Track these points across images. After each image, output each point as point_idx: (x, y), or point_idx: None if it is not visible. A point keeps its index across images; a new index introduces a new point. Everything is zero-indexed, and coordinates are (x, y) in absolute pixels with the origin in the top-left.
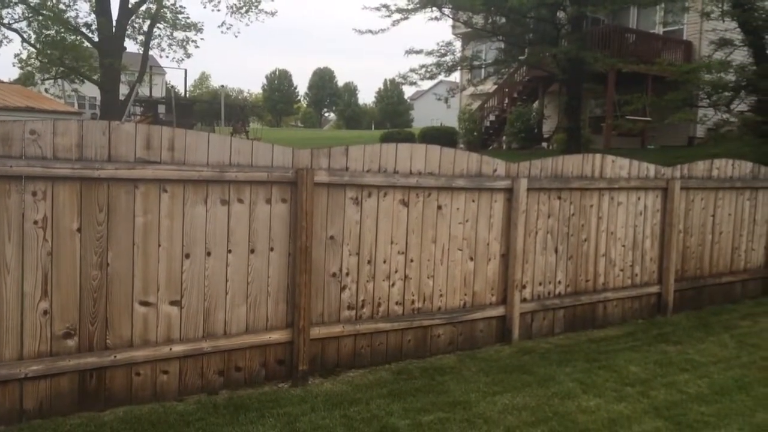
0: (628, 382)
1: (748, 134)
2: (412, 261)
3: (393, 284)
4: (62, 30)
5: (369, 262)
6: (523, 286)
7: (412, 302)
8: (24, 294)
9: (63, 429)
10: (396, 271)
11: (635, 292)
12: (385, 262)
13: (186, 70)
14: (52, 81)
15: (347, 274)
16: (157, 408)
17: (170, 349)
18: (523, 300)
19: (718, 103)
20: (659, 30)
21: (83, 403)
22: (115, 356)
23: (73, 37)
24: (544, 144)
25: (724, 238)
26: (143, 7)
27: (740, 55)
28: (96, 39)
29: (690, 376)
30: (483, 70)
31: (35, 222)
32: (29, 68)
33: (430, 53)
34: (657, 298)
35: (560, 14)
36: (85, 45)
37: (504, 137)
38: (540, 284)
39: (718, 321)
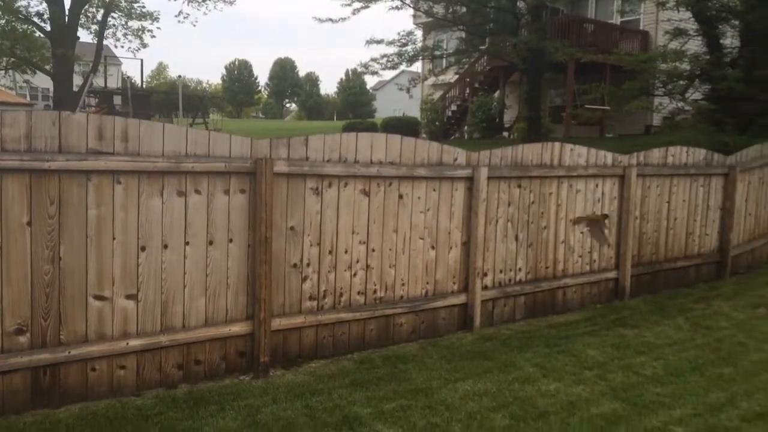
0: (587, 366)
1: (702, 122)
2: (373, 250)
3: (355, 274)
4: (13, 19)
5: (330, 252)
6: (485, 274)
7: (374, 292)
8: None
9: (16, 427)
10: (357, 261)
11: (594, 278)
12: (346, 252)
13: (142, 61)
14: (2, 72)
15: (308, 265)
16: (115, 403)
17: (127, 343)
18: (485, 287)
19: (673, 91)
20: (617, 20)
21: (37, 400)
22: (69, 352)
23: (24, 27)
24: (506, 133)
25: (679, 223)
26: None
27: (694, 45)
28: (48, 28)
29: (646, 359)
30: (444, 60)
31: None
32: None
33: (391, 43)
34: (615, 284)
35: (520, 4)
36: (37, 35)
37: (466, 127)
38: (501, 272)
39: (674, 304)
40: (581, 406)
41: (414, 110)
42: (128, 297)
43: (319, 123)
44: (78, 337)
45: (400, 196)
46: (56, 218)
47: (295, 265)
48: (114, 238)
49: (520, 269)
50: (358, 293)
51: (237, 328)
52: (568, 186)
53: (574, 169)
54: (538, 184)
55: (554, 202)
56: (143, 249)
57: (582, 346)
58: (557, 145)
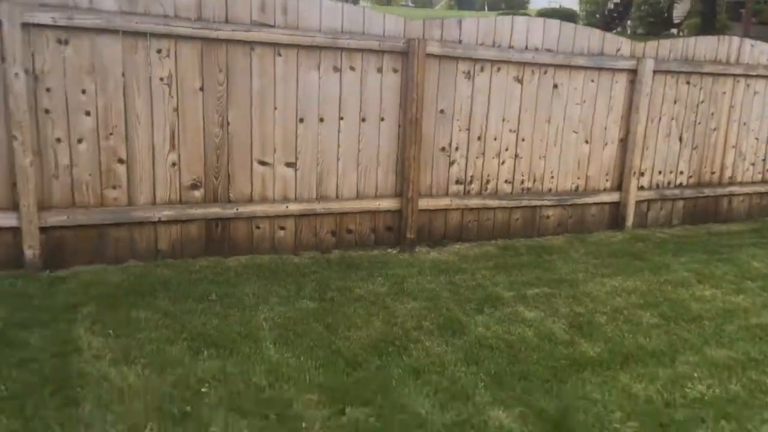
0: (749, 277)
1: None
2: (523, 140)
3: (503, 162)
4: None
5: (479, 138)
6: (641, 174)
7: (522, 182)
8: (154, 146)
9: (193, 268)
10: (506, 150)
11: (765, 189)
12: (495, 139)
13: None
14: None
15: (456, 149)
16: (276, 259)
17: (286, 207)
18: (640, 188)
19: None
20: None
21: (210, 249)
22: (237, 209)
23: None
24: (674, 30)
25: None
26: None
27: None
28: None
29: None
30: None
31: (161, 79)
32: None
33: None
34: None
35: None
36: None
37: (629, 21)
38: (660, 173)
39: None
40: (739, 314)
41: (572, 2)
42: (288, 165)
43: (470, 12)
44: (244, 196)
45: (555, 86)
46: (225, 86)
47: (443, 149)
48: (275, 108)
49: (681, 172)
50: (505, 182)
51: (386, 204)
52: (745, 86)
53: (754, 68)
54: (710, 82)
55: (727, 103)
56: (301, 121)
57: (745, 257)
58: (735, 39)
